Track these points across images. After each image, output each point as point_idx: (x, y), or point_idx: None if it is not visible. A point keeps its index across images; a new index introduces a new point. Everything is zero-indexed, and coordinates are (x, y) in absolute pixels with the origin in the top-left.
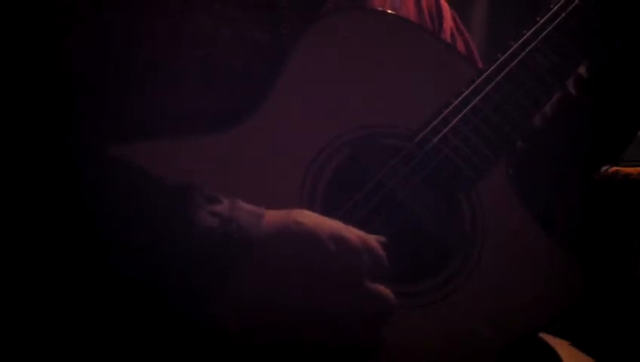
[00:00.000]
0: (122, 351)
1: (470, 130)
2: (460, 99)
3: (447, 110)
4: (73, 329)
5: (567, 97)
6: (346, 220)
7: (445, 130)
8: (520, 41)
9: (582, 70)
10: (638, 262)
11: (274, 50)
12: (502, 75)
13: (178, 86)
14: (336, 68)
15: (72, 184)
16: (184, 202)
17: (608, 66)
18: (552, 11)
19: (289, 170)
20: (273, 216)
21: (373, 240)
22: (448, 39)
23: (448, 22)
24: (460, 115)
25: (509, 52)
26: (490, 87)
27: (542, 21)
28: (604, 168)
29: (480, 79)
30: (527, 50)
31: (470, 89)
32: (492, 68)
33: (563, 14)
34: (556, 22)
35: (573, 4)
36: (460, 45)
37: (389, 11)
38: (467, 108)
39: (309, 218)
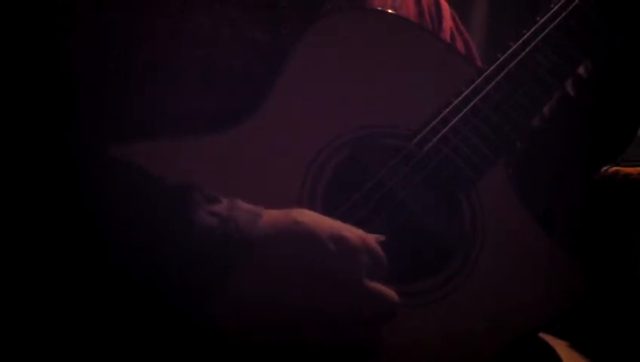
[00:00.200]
0: (122, 351)
1: (470, 130)
2: (459, 99)
3: (447, 110)
4: (73, 329)
5: (567, 97)
6: (345, 220)
7: (445, 130)
8: (520, 41)
9: (582, 70)
10: (638, 262)
11: (274, 50)
12: (502, 74)
13: (178, 86)
14: (336, 68)
15: (72, 184)
16: (184, 202)
17: (608, 66)
18: (552, 11)
19: (289, 170)
20: (272, 216)
21: (372, 239)
22: (448, 39)
23: (448, 21)
24: (459, 115)
25: (509, 52)
26: (490, 87)
27: (542, 21)
28: (604, 168)
29: (480, 79)
30: (527, 50)
31: (470, 89)
32: (492, 68)
33: (563, 14)
34: (556, 22)
35: (574, 4)
36: (460, 45)
37: (389, 11)
38: (467, 108)
39: (309, 217)
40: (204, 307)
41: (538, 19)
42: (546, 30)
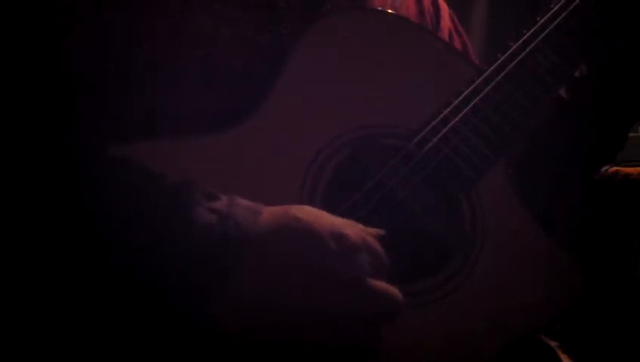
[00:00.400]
0: (122, 351)
1: (470, 130)
2: (459, 99)
3: (447, 110)
4: (73, 329)
5: (567, 98)
6: None
7: (445, 130)
8: (520, 41)
9: (582, 70)
10: (638, 262)
11: (274, 50)
12: (502, 75)
13: (178, 86)
14: (336, 68)
15: (72, 184)
16: (183, 200)
17: (608, 66)
18: (552, 11)
19: (289, 170)
20: (272, 213)
21: (373, 235)
22: (446, 39)
23: (446, 22)
24: (459, 115)
25: (509, 52)
26: (490, 87)
27: (542, 21)
28: (604, 168)
29: (480, 79)
30: (528, 50)
31: (470, 89)
32: (492, 68)
33: (563, 14)
34: (556, 22)
35: (574, 4)
36: (457, 46)
37: (389, 11)
38: (467, 108)
39: (309, 214)
40: (204, 307)
41: (538, 19)
42: (546, 30)
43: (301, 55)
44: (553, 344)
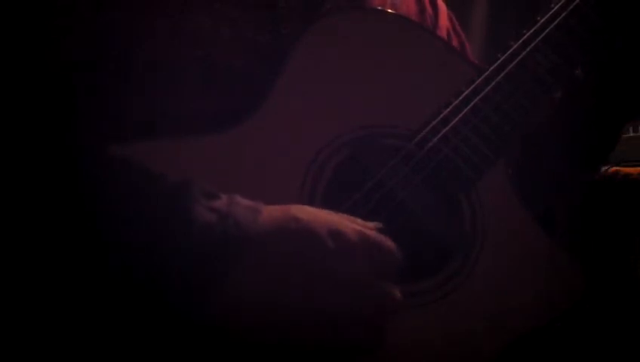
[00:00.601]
0: (122, 351)
1: (470, 130)
2: (459, 99)
3: (447, 110)
4: (73, 329)
5: (567, 97)
6: None
7: (445, 130)
8: (520, 41)
9: (582, 70)
10: (638, 262)
11: (274, 50)
12: (502, 75)
13: (178, 86)
14: (336, 68)
15: (72, 184)
16: (183, 200)
17: (608, 66)
18: (553, 11)
19: (289, 170)
20: (271, 212)
21: (372, 228)
22: (444, 38)
23: (444, 21)
24: (459, 115)
25: (509, 52)
26: (490, 87)
27: (542, 21)
28: (604, 168)
29: (480, 79)
30: (528, 49)
31: (470, 89)
32: (492, 68)
33: (563, 14)
34: (556, 21)
35: (574, 4)
36: (455, 46)
37: (389, 10)
38: (467, 108)
39: (308, 214)
40: (204, 307)
41: (538, 18)
42: (547, 30)
43: (301, 55)
44: None
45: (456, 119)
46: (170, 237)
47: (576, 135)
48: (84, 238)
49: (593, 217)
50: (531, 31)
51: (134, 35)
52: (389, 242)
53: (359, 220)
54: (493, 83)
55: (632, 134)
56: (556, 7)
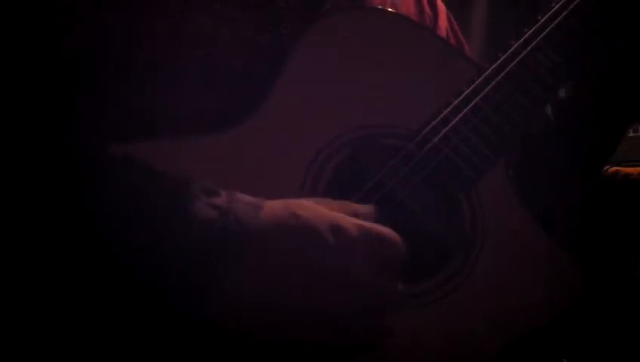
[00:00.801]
0: (122, 351)
1: (470, 130)
2: (460, 98)
3: (447, 110)
4: (73, 329)
5: (567, 98)
6: None
7: (445, 130)
8: (521, 40)
9: (581, 71)
10: (638, 262)
11: (274, 50)
12: (502, 74)
13: (178, 86)
14: (337, 68)
15: (72, 184)
16: (183, 198)
17: (608, 66)
18: (553, 10)
19: (289, 170)
20: (272, 208)
21: (371, 221)
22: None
23: (443, 21)
24: (460, 115)
25: (509, 51)
26: (490, 86)
27: (543, 20)
28: (604, 168)
29: (480, 79)
30: (528, 49)
31: (470, 89)
32: (492, 67)
33: (564, 13)
34: (557, 21)
35: (574, 3)
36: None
37: (389, 10)
38: (467, 108)
39: (307, 210)
40: (204, 306)
41: (539, 18)
42: (547, 29)
43: (301, 55)
44: None
45: (457, 119)
46: (171, 237)
47: (576, 135)
48: (84, 238)
49: (593, 217)
50: (532, 30)
51: (134, 35)
52: (392, 234)
53: (360, 208)
54: (494, 83)
55: (632, 134)
56: (557, 7)
